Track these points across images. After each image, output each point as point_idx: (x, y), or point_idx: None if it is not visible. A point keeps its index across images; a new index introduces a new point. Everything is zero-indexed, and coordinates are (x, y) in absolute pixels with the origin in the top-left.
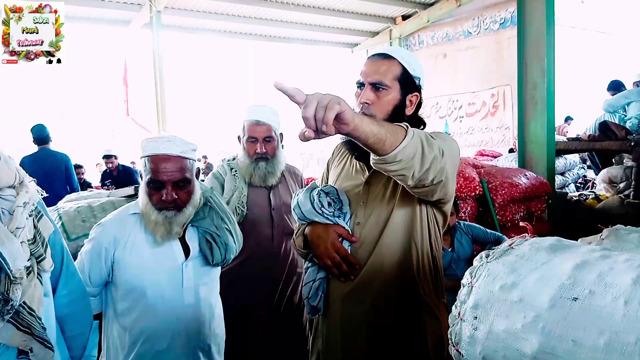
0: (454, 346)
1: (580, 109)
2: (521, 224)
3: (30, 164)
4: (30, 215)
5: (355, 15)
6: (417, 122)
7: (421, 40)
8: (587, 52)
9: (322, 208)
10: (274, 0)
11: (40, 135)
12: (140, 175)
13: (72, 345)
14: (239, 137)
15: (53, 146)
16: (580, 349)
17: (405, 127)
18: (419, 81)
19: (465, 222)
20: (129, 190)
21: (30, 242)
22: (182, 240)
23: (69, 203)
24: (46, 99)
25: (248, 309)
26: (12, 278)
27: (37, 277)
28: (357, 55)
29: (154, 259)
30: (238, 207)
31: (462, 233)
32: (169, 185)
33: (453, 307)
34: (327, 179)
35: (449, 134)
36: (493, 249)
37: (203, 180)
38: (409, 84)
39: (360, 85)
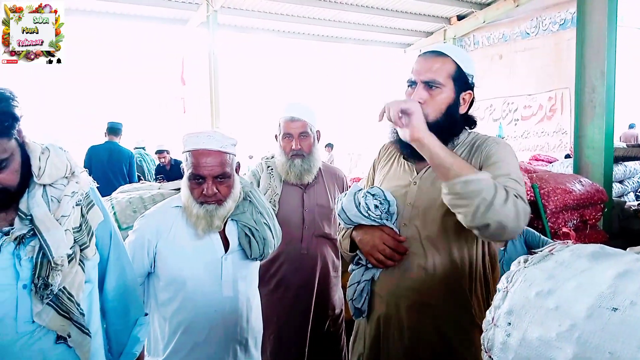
0: (486, 352)
1: None
2: (564, 229)
3: (95, 154)
4: (78, 204)
5: (410, 15)
6: (469, 121)
7: (476, 41)
8: None
9: (368, 211)
10: (328, 0)
11: (113, 127)
12: (183, 170)
13: (113, 339)
14: (276, 136)
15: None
16: None
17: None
18: (472, 79)
19: None
20: (180, 183)
21: (75, 230)
22: (222, 234)
23: (122, 194)
24: (109, 96)
25: (272, 309)
26: (52, 264)
27: (79, 264)
28: (409, 55)
29: (195, 251)
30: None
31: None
32: (209, 180)
33: (487, 312)
34: (373, 180)
35: (502, 138)
36: (533, 254)
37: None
38: (462, 81)
39: (412, 83)
